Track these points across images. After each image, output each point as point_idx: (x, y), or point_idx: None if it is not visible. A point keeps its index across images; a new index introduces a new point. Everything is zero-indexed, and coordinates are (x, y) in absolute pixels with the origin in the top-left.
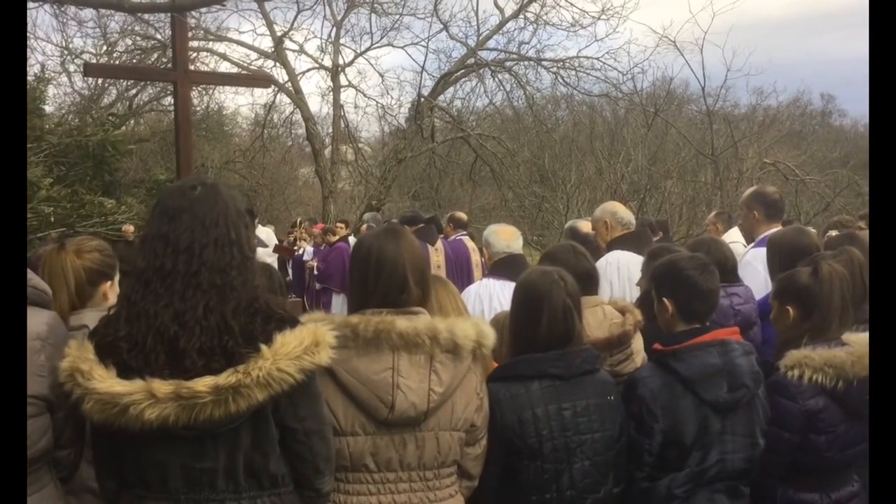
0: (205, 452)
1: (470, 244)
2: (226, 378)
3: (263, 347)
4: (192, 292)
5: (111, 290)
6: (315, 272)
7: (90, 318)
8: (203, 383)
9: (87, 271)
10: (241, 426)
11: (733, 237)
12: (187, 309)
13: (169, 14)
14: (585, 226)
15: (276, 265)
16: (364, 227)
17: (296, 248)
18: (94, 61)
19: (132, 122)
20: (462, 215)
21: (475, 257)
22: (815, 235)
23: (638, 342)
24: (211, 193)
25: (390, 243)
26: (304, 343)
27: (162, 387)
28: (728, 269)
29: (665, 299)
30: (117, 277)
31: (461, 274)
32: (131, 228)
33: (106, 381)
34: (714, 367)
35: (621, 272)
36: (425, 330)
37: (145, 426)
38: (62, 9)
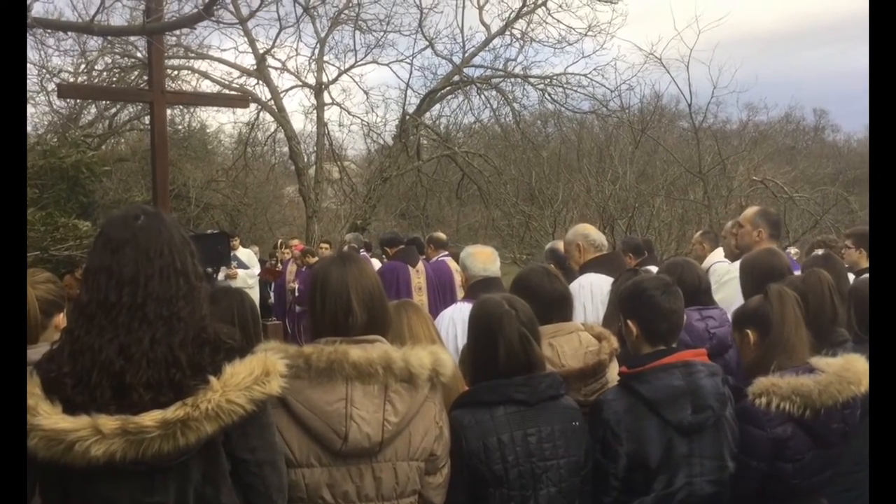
0: (154, 487)
1: (453, 265)
2: (174, 412)
3: (212, 379)
4: (137, 325)
5: (63, 323)
6: (295, 294)
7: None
8: (150, 417)
9: (42, 302)
10: (192, 459)
11: (719, 256)
12: (133, 342)
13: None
14: None
15: (258, 287)
16: (346, 248)
17: (278, 268)
18: (71, 80)
19: (112, 140)
20: (441, 235)
21: (458, 278)
22: (786, 257)
23: (614, 371)
24: (154, 223)
25: (335, 268)
26: (255, 373)
27: (108, 422)
28: (702, 290)
29: (629, 321)
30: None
31: (444, 296)
32: None
33: (51, 418)
34: (678, 388)
35: (595, 295)
36: (379, 360)
37: (92, 463)
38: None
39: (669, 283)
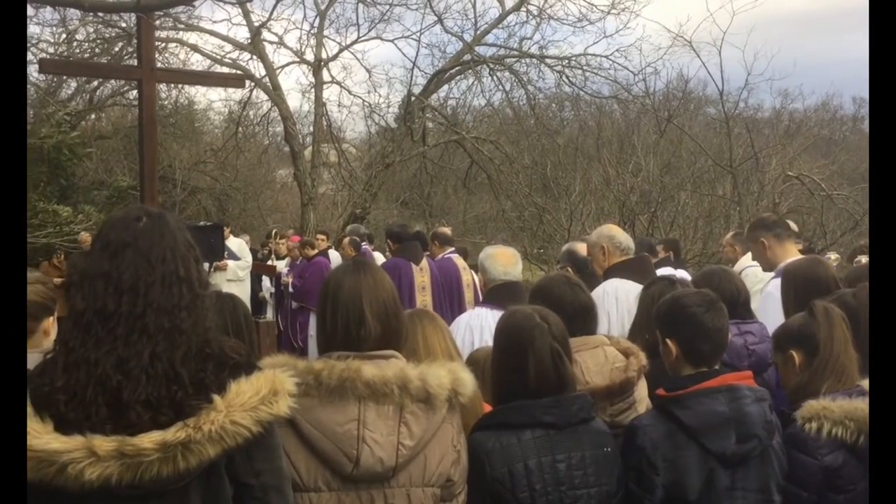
0: None
1: (460, 262)
2: (174, 433)
3: (216, 398)
4: (136, 337)
5: (53, 328)
6: (290, 289)
7: (33, 360)
8: (149, 439)
9: (30, 304)
10: (191, 484)
11: (752, 261)
12: (132, 356)
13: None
14: (585, 248)
15: (249, 281)
16: (347, 240)
17: (271, 263)
18: (51, 51)
19: (92, 117)
20: (447, 231)
21: (466, 277)
22: (832, 267)
23: (642, 389)
24: (157, 225)
25: (348, 277)
26: (262, 392)
27: (104, 443)
28: (741, 303)
29: (668, 340)
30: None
31: (451, 296)
32: (88, 237)
33: (42, 437)
34: (721, 415)
35: (620, 303)
36: (394, 378)
37: (85, 486)
38: None
39: (713, 300)
